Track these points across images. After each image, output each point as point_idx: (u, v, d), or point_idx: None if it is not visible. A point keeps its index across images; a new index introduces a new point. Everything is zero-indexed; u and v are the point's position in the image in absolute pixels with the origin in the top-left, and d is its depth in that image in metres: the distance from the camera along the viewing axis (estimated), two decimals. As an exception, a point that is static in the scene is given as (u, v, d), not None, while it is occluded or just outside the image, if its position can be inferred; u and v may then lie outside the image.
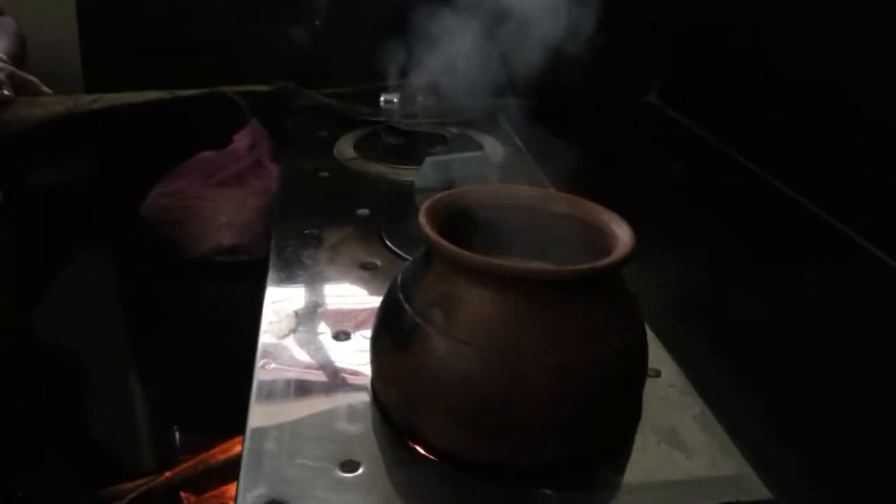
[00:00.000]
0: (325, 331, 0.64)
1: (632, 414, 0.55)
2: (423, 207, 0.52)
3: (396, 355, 0.50)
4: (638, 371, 0.52)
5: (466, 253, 0.47)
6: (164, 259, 1.23)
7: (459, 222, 0.54)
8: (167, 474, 0.85)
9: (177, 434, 0.95)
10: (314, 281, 0.71)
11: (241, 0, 1.28)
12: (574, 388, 0.47)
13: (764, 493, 0.49)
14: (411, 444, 0.51)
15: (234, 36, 1.26)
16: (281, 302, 0.68)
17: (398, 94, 1.09)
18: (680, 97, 1.37)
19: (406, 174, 0.95)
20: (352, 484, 0.48)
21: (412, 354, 0.49)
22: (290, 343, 0.62)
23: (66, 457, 0.90)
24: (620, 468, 0.51)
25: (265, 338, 0.63)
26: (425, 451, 0.50)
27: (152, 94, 0.99)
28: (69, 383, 0.99)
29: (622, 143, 1.19)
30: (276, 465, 0.49)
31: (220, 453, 0.86)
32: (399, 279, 0.53)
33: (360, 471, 0.49)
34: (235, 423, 0.55)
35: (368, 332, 0.55)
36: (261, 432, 0.52)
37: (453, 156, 0.93)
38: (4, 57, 0.93)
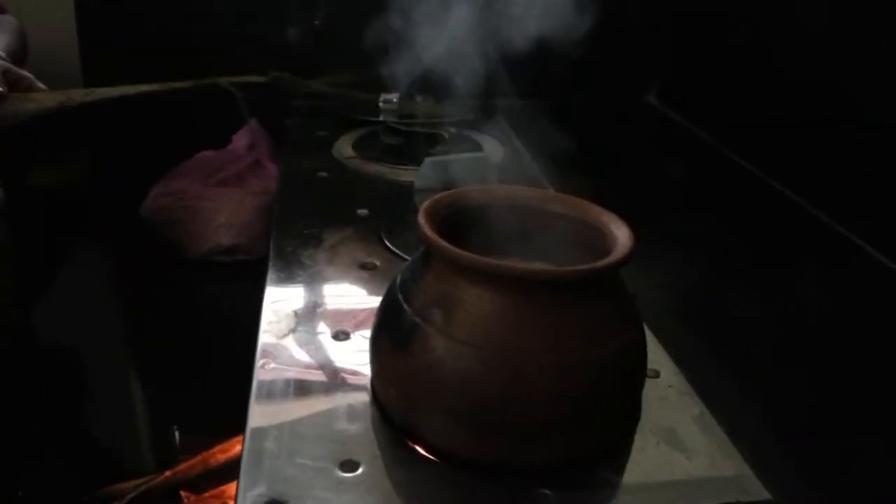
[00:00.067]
0: (324, 331, 0.64)
1: (631, 414, 0.55)
2: (422, 208, 0.52)
3: (396, 355, 0.50)
4: (637, 371, 0.52)
5: (465, 253, 0.47)
6: (164, 259, 1.23)
7: (458, 222, 0.54)
8: (167, 474, 0.85)
9: (176, 434, 0.95)
10: (313, 281, 0.71)
11: (240, 1, 1.28)
12: (573, 388, 0.47)
13: (763, 493, 0.49)
14: (411, 443, 0.51)
15: (234, 35, 1.27)
16: (280, 302, 0.68)
17: (397, 95, 1.09)
18: (679, 98, 1.37)
19: (405, 174, 0.95)
20: (351, 483, 0.48)
21: (411, 354, 0.49)
22: (290, 343, 0.62)
23: (66, 456, 0.90)
24: (619, 468, 0.51)
25: (265, 337, 0.63)
26: (425, 450, 0.50)
27: (146, 87, 0.99)
28: (69, 383, 1.00)
29: (621, 143, 1.19)
30: (276, 464, 0.49)
31: (220, 453, 0.86)
32: (398, 279, 0.53)
33: (360, 470, 0.49)
34: (235, 422, 0.55)
35: (368, 332, 0.55)
36: (260, 432, 0.52)
37: (452, 156, 0.93)
38: (3, 54, 0.93)
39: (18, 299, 1.06)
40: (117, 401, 1.01)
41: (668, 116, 1.37)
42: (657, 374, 0.60)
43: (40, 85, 0.89)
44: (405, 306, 0.50)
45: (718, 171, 1.17)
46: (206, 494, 0.85)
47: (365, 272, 0.73)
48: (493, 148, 1.06)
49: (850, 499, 0.62)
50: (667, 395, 0.58)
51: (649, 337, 0.56)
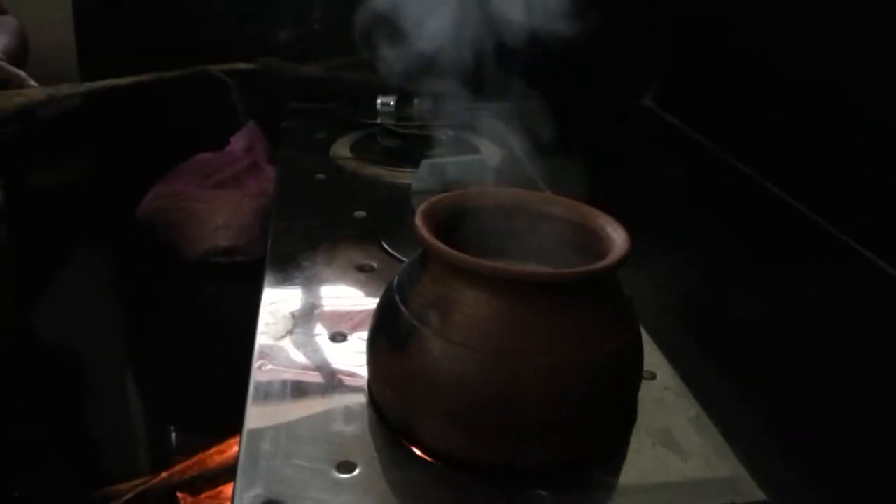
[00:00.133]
0: (321, 332, 0.64)
1: (627, 416, 0.55)
2: (420, 210, 0.52)
3: (393, 357, 0.50)
4: (633, 373, 0.52)
5: (462, 255, 0.48)
6: (162, 260, 1.23)
7: (456, 225, 0.54)
8: (163, 475, 0.85)
9: (173, 435, 0.95)
10: (311, 283, 0.72)
11: (240, 1, 1.28)
12: (569, 390, 0.47)
13: (759, 495, 0.50)
14: (408, 444, 0.51)
15: (234, 36, 1.26)
16: (278, 303, 0.68)
17: (395, 97, 1.09)
18: (676, 101, 1.38)
19: (402, 176, 0.96)
20: (348, 485, 0.48)
21: (408, 356, 0.49)
22: (287, 344, 0.62)
23: (63, 457, 0.90)
24: (615, 470, 0.51)
25: (262, 339, 0.63)
26: (421, 451, 0.50)
27: (135, 78, 0.98)
28: (66, 384, 0.99)
29: (618, 146, 1.19)
30: (273, 465, 0.49)
31: (217, 454, 0.86)
32: (395, 281, 0.53)
33: (357, 471, 0.49)
34: (232, 423, 0.55)
35: (365, 334, 0.55)
36: (257, 433, 0.52)
37: (450, 158, 0.94)
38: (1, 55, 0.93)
39: (18, 299, 1.06)
40: (113, 402, 1.01)
41: (664, 119, 1.38)
42: (653, 376, 0.60)
43: (32, 83, 0.89)
44: (402, 308, 0.50)
45: (715, 174, 1.17)
46: (203, 496, 0.85)
47: (362, 274, 0.73)
48: (490, 150, 1.06)
49: (845, 500, 0.62)
50: (663, 396, 0.58)
51: (645, 339, 0.56)
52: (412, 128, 1.07)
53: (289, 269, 0.74)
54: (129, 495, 0.83)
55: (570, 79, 1.21)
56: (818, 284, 0.85)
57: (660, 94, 1.42)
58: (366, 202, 0.89)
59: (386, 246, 0.78)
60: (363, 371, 0.56)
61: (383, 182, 0.97)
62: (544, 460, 0.49)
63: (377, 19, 0.72)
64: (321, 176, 0.98)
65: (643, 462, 0.52)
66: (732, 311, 0.85)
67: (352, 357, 0.60)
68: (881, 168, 0.87)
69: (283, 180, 1.00)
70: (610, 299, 0.51)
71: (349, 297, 0.71)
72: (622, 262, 0.49)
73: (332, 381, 0.58)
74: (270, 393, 0.56)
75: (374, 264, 0.75)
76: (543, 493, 0.48)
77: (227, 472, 0.84)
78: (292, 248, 0.78)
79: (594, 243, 0.52)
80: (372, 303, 0.56)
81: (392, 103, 1.09)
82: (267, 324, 0.65)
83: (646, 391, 0.57)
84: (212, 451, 0.87)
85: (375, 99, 1.10)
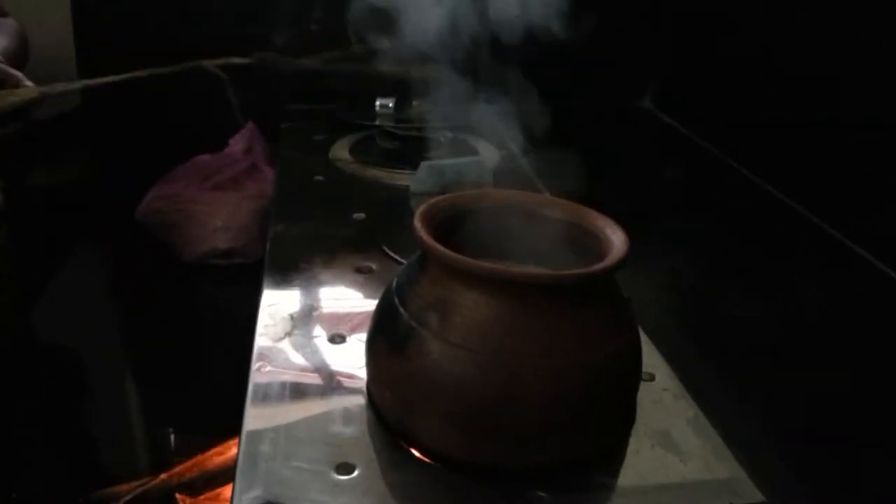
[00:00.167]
0: (320, 334, 0.64)
1: (626, 417, 0.55)
2: (419, 212, 0.53)
3: (392, 358, 0.50)
4: (632, 375, 0.52)
5: (461, 257, 0.48)
6: (161, 261, 1.23)
7: (454, 226, 0.55)
8: (163, 476, 0.85)
9: (172, 436, 0.95)
10: (310, 284, 0.72)
11: (240, 1, 1.28)
12: (568, 391, 0.47)
13: (757, 496, 0.50)
14: (406, 446, 0.51)
15: (234, 37, 1.26)
16: (276, 305, 0.68)
17: (393, 99, 1.09)
18: (674, 102, 1.38)
19: (401, 178, 0.96)
20: (347, 486, 0.48)
21: (407, 358, 0.49)
22: (286, 346, 0.62)
23: (62, 458, 0.90)
24: (614, 471, 0.51)
25: (261, 340, 0.63)
26: (420, 453, 0.50)
27: (128, 74, 0.98)
28: (65, 386, 0.99)
29: (616, 148, 1.19)
30: (272, 467, 0.49)
31: (216, 455, 0.86)
32: (394, 283, 0.53)
33: (356, 473, 0.49)
34: (231, 425, 0.55)
35: (364, 336, 0.56)
36: (256, 435, 0.52)
37: (448, 160, 0.94)
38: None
39: (17, 300, 1.06)
40: (112, 403, 1.01)
41: (663, 120, 1.38)
42: (652, 378, 0.60)
43: (28, 83, 0.88)
44: (401, 310, 0.50)
45: (713, 175, 1.17)
46: (202, 497, 0.85)
47: (361, 276, 0.73)
48: (489, 152, 1.07)
49: (845, 501, 0.62)
50: (661, 398, 0.58)
51: (644, 340, 0.56)
52: (411, 130, 1.07)
53: (288, 270, 0.74)
54: (129, 496, 0.83)
55: (569, 80, 1.21)
56: (816, 286, 0.85)
57: (658, 95, 1.42)
58: (365, 204, 0.89)
59: (385, 248, 0.78)
60: (362, 373, 0.57)
61: (382, 184, 0.97)
62: (543, 462, 0.49)
63: (374, 13, 0.72)
64: (320, 178, 0.98)
65: (642, 463, 0.52)
66: (730, 312, 0.85)
67: (351, 359, 0.60)
68: (879, 169, 0.87)
69: (282, 182, 1.00)
70: (609, 301, 0.51)
71: (348, 299, 0.71)
72: (621, 263, 0.49)
73: (331, 383, 0.58)
74: (269, 394, 0.56)
75: (373, 266, 0.75)
76: (543, 494, 0.48)
77: (227, 474, 0.84)
78: (291, 249, 0.78)
79: (593, 245, 0.53)
80: (371, 304, 0.56)
81: (391, 105, 1.09)
82: (266, 325, 0.65)
83: (644, 392, 0.57)
84: (211, 452, 0.87)
85: (372, 97, 1.10)
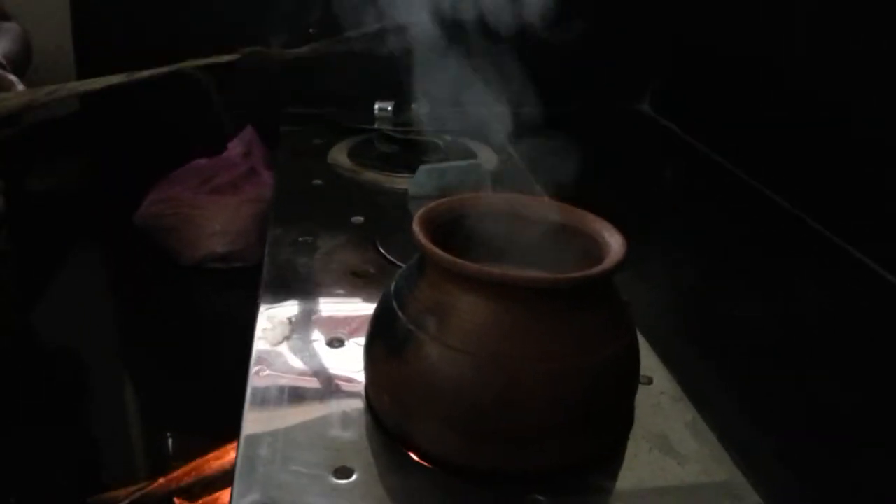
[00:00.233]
0: (318, 338, 0.64)
1: (624, 420, 0.55)
2: (417, 215, 0.53)
3: (390, 362, 0.50)
4: (630, 378, 0.52)
5: (460, 261, 0.48)
6: (159, 265, 1.23)
7: (453, 230, 0.55)
8: (161, 480, 0.85)
9: (170, 440, 0.95)
10: (308, 288, 0.72)
11: (240, 4, 1.28)
12: (566, 395, 0.47)
13: (755, 499, 0.50)
14: (405, 450, 0.51)
15: (234, 39, 1.26)
16: (275, 309, 0.68)
17: (392, 102, 1.09)
18: (672, 106, 1.38)
19: (400, 182, 0.96)
20: (345, 490, 0.48)
21: (406, 362, 0.49)
22: (284, 350, 0.62)
23: (60, 462, 0.89)
24: (612, 475, 0.51)
25: (259, 344, 0.63)
26: (419, 457, 0.50)
27: (114, 79, 0.96)
28: (63, 391, 0.99)
29: (615, 151, 1.19)
30: (270, 471, 0.49)
31: (214, 460, 0.86)
32: (393, 287, 0.53)
33: (354, 477, 0.49)
34: (229, 429, 0.55)
35: (362, 340, 0.56)
36: (255, 439, 0.52)
37: (447, 164, 0.94)
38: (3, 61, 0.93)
39: (18, 301, 1.06)
40: (111, 407, 1.01)
41: (661, 124, 1.38)
42: (650, 381, 0.60)
43: (20, 87, 0.88)
44: (399, 313, 0.50)
45: (711, 178, 1.17)
46: (200, 501, 0.85)
47: (359, 279, 0.73)
48: (487, 156, 1.07)
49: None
50: (660, 401, 0.58)
51: (642, 343, 0.56)
52: (410, 133, 1.07)
53: (286, 274, 0.74)
54: (126, 501, 0.83)
55: (568, 83, 1.21)
56: (814, 289, 0.85)
57: (656, 98, 1.43)
58: (363, 207, 0.89)
59: (383, 251, 0.78)
60: (360, 377, 0.56)
61: (381, 187, 0.97)
62: (541, 465, 0.49)
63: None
64: (319, 181, 0.98)
65: (640, 467, 0.52)
66: (729, 315, 0.85)
67: (349, 363, 0.60)
68: (877, 172, 0.87)
69: (280, 185, 1.00)
70: (607, 304, 0.51)
71: (346, 303, 0.71)
72: (618, 266, 0.49)
73: (330, 387, 0.58)
74: (268, 398, 0.56)
75: (372, 270, 0.75)
76: (541, 498, 0.48)
77: (225, 478, 0.84)
78: (290, 253, 0.78)
79: (591, 248, 0.53)
80: (369, 308, 0.56)
81: (389, 109, 1.09)
82: (264, 329, 0.65)
83: (642, 396, 0.57)
84: (209, 456, 0.87)
85: (371, 100, 1.10)
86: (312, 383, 0.58)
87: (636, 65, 1.40)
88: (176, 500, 0.84)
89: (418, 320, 0.49)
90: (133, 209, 1.24)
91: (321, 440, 0.52)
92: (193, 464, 0.87)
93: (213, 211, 1.21)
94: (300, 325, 0.65)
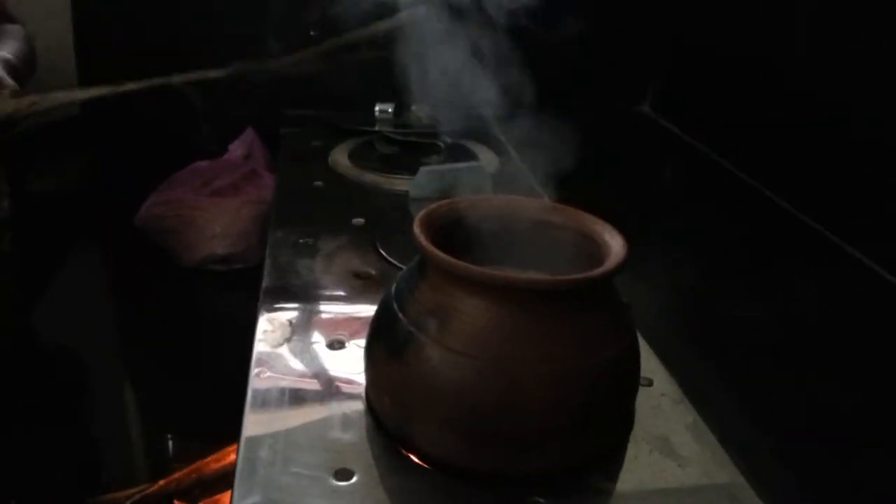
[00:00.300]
0: (319, 340, 0.64)
1: (624, 422, 0.55)
2: (418, 217, 0.53)
3: (390, 364, 0.50)
4: (630, 380, 0.52)
5: (460, 263, 0.48)
6: (160, 267, 1.23)
7: (454, 232, 0.55)
8: (161, 482, 0.85)
9: (170, 442, 0.95)
10: (309, 290, 0.72)
11: (241, 5, 1.28)
12: (567, 396, 0.47)
13: (755, 501, 0.50)
14: (405, 452, 0.51)
15: (234, 40, 1.26)
16: (275, 311, 0.68)
17: (392, 104, 1.09)
18: (672, 107, 1.38)
19: (401, 184, 0.96)
20: (346, 492, 0.48)
21: (406, 363, 0.49)
22: (285, 352, 0.62)
23: (60, 464, 0.89)
24: (613, 476, 0.51)
25: (260, 346, 0.63)
26: (419, 459, 0.50)
27: (95, 91, 0.96)
28: (64, 391, 0.99)
29: (616, 153, 1.19)
30: (271, 473, 0.49)
31: (214, 462, 0.86)
32: (393, 288, 0.53)
33: (354, 479, 0.49)
34: (230, 431, 0.55)
35: (363, 341, 0.56)
36: (255, 441, 0.52)
37: (448, 166, 0.94)
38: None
39: (19, 302, 1.06)
40: (111, 408, 1.01)
41: (661, 124, 1.38)
42: (650, 383, 0.60)
43: (9, 84, 0.88)
44: (400, 315, 0.50)
45: (711, 179, 1.17)
46: (200, 503, 0.85)
47: (360, 281, 0.73)
48: (488, 158, 1.07)
49: (843, 505, 0.62)
50: (660, 403, 0.58)
51: (642, 345, 0.56)
52: (410, 135, 1.07)
53: (287, 276, 0.74)
54: (127, 503, 0.83)
55: (568, 83, 1.21)
56: (814, 289, 0.85)
57: (657, 99, 1.43)
58: (364, 209, 0.89)
59: (384, 253, 0.78)
60: (361, 378, 0.56)
61: (381, 189, 0.97)
62: (542, 467, 0.49)
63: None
64: (319, 183, 0.98)
65: (640, 469, 0.52)
66: (729, 315, 0.85)
67: (349, 364, 0.60)
68: (877, 172, 0.87)
69: (281, 187, 1.00)
70: (607, 306, 0.51)
71: (347, 305, 0.71)
72: (619, 268, 0.49)
73: (330, 389, 0.58)
74: (268, 400, 0.56)
75: (372, 271, 0.75)
76: (541, 500, 0.48)
77: (225, 480, 0.84)
78: (290, 255, 0.78)
79: (592, 250, 0.53)
80: (370, 310, 0.56)
81: (390, 110, 1.09)
82: (265, 331, 0.65)
83: (643, 398, 0.57)
84: (209, 458, 0.87)
85: (371, 102, 1.10)
86: (313, 385, 0.58)
87: (636, 65, 1.40)
88: (176, 502, 0.84)
89: (419, 322, 0.49)
90: (133, 210, 1.24)
91: (322, 442, 0.52)
92: (194, 466, 0.87)
93: (214, 213, 1.21)
94: (301, 327, 0.65)
